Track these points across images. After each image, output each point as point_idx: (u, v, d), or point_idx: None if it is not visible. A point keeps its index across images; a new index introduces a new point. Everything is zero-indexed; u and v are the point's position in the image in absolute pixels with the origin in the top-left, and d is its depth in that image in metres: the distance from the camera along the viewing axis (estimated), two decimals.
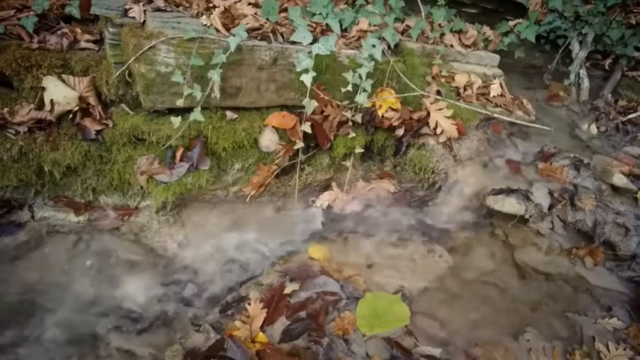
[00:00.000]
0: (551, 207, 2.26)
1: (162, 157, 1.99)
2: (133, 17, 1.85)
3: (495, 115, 2.53)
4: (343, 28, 2.28)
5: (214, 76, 1.82)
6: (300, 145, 2.10)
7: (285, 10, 2.19)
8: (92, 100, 1.94)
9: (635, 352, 1.77)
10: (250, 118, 2.09)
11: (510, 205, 2.22)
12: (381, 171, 2.48)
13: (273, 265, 1.98)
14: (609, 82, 3.40)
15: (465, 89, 2.62)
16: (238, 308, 1.73)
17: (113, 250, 1.97)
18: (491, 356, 1.70)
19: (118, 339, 1.67)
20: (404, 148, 2.41)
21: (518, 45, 3.15)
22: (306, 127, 2.07)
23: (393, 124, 2.30)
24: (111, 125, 1.95)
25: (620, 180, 2.37)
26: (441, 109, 2.34)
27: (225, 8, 2.01)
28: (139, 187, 2.04)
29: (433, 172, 2.35)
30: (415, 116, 2.35)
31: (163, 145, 1.96)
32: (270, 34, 2.01)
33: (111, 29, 1.84)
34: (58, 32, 1.95)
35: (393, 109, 2.27)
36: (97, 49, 1.99)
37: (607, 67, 3.55)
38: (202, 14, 1.99)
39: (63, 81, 1.89)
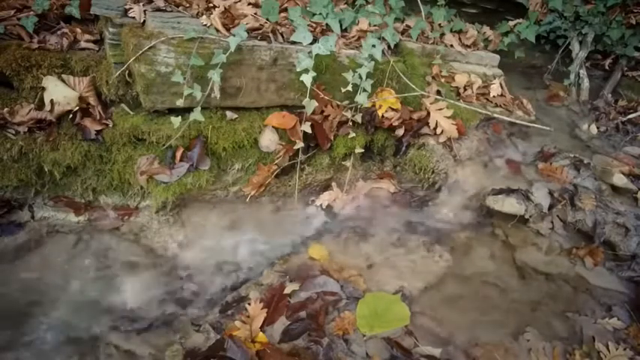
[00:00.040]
0: (551, 207, 2.26)
1: (162, 157, 1.99)
2: (133, 17, 1.85)
3: (495, 115, 2.53)
4: (343, 28, 2.28)
5: (214, 76, 1.82)
6: (300, 145, 2.10)
7: (285, 10, 2.19)
8: (92, 100, 1.94)
9: (635, 352, 1.77)
10: (250, 118, 2.10)
11: (510, 205, 2.22)
12: (381, 171, 2.48)
13: (273, 265, 1.98)
14: (609, 82, 3.40)
15: (465, 89, 2.62)
16: (238, 308, 1.73)
17: (113, 250, 1.97)
18: (491, 356, 1.69)
19: (118, 339, 1.67)
20: (404, 148, 2.41)
21: (518, 45, 3.15)
22: (306, 127, 2.07)
23: (393, 124, 2.30)
24: (111, 125, 1.95)
25: (620, 180, 2.37)
26: (441, 109, 2.34)
27: (225, 8, 2.01)
28: (139, 187, 2.04)
29: (433, 172, 2.35)
30: (415, 116, 2.35)
31: (163, 145, 1.96)
32: (270, 34, 2.01)
33: (111, 29, 1.84)
34: (58, 32, 1.95)
35: (393, 109, 2.27)
36: (97, 49, 1.99)
37: (607, 67, 3.55)
38: (202, 14, 1.99)
39: (63, 81, 1.89)
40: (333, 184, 2.35)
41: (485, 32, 2.99)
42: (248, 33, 1.91)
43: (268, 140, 2.12)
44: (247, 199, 2.18)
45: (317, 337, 1.62)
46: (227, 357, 1.50)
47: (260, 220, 2.20)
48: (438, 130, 2.33)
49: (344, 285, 1.85)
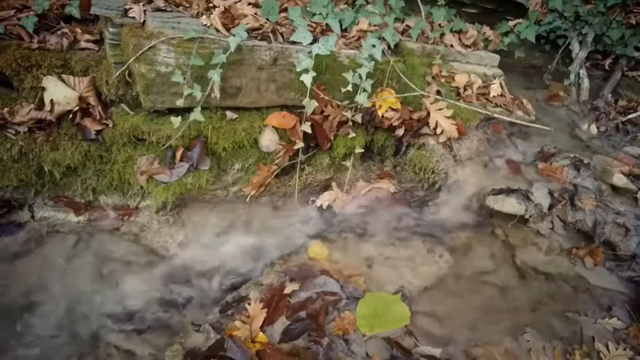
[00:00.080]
0: (551, 207, 2.26)
1: (163, 157, 1.99)
2: (133, 17, 1.85)
3: (495, 115, 2.53)
4: (343, 28, 2.28)
5: (214, 76, 1.82)
6: (300, 145, 2.10)
7: (285, 10, 2.19)
8: (92, 100, 1.94)
9: (635, 352, 1.77)
10: (250, 118, 2.09)
11: (510, 205, 2.22)
12: (381, 171, 2.48)
13: (273, 265, 1.98)
14: (609, 82, 3.40)
15: (465, 89, 2.62)
16: (238, 308, 1.73)
17: (113, 250, 1.97)
18: (492, 356, 1.69)
19: (118, 339, 1.67)
20: (404, 148, 2.41)
21: (518, 45, 3.15)
22: (306, 127, 2.07)
23: (393, 124, 2.30)
24: (111, 125, 1.95)
25: (620, 180, 2.37)
26: (441, 109, 2.34)
27: (225, 8, 2.01)
28: (139, 187, 2.04)
29: (433, 172, 2.35)
30: (415, 116, 2.35)
31: (163, 145, 1.96)
32: (270, 34, 2.01)
33: (111, 29, 1.84)
34: (58, 32, 1.95)
35: (393, 109, 2.27)
36: (97, 49, 1.99)
37: (607, 67, 3.55)
38: (202, 14, 1.99)
39: (63, 81, 1.89)
40: (333, 184, 2.35)
41: (485, 32, 2.99)
42: (248, 33, 1.91)
43: (268, 140, 2.12)
44: (247, 199, 2.18)
45: (317, 337, 1.62)
46: (227, 357, 1.50)
47: (260, 220, 2.20)
48: (438, 130, 2.33)
49: (344, 285, 1.85)
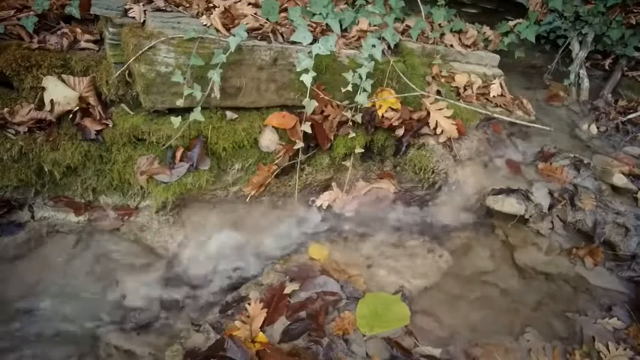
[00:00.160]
0: (551, 207, 2.26)
1: (163, 157, 1.99)
2: (133, 17, 1.85)
3: (495, 115, 2.53)
4: (343, 28, 2.28)
5: (214, 76, 1.82)
6: (300, 145, 2.10)
7: (285, 10, 2.19)
8: (92, 100, 1.94)
9: (635, 352, 1.77)
10: (250, 118, 2.09)
11: (510, 205, 2.22)
12: (381, 171, 2.48)
13: (273, 265, 1.98)
14: (609, 82, 3.40)
15: (465, 89, 2.62)
16: (238, 308, 1.73)
17: (113, 250, 1.97)
18: (492, 356, 1.70)
19: (118, 339, 1.67)
20: (404, 148, 2.41)
21: (518, 45, 3.15)
22: (306, 127, 2.07)
23: (393, 124, 2.30)
24: (111, 125, 1.95)
25: (620, 180, 2.37)
26: (441, 109, 2.34)
27: (225, 8, 2.01)
28: (139, 187, 2.04)
29: (433, 172, 2.35)
30: (415, 116, 2.35)
31: (163, 145, 1.96)
32: (270, 34, 2.01)
33: (111, 29, 1.84)
34: (58, 32, 1.95)
35: (393, 109, 2.27)
36: (97, 49, 1.99)
37: (607, 67, 3.55)
38: (202, 14, 1.99)
39: (63, 81, 1.89)
40: (333, 184, 2.35)
41: (485, 32, 2.99)
42: (248, 33, 1.91)
43: (268, 140, 2.12)
44: (247, 199, 2.18)
45: (317, 337, 1.62)
46: (227, 357, 1.50)
47: (260, 220, 2.20)
48: (438, 130, 2.33)
49: (344, 285, 1.85)
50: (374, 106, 2.24)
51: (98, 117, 1.95)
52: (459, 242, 2.21)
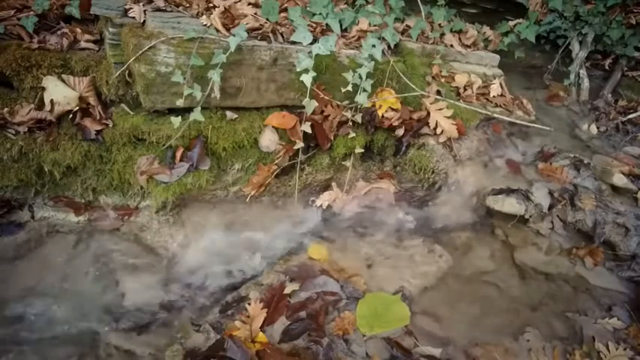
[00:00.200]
0: (551, 207, 2.26)
1: (163, 157, 1.99)
2: (133, 17, 1.85)
3: (495, 115, 2.53)
4: (343, 28, 2.28)
5: (214, 76, 1.82)
6: (300, 145, 2.10)
7: (285, 10, 2.19)
8: (92, 100, 1.94)
9: (635, 352, 1.77)
10: (250, 118, 2.09)
11: (510, 205, 2.22)
12: (381, 171, 2.48)
13: (273, 265, 1.98)
14: (609, 82, 3.40)
15: (465, 89, 2.62)
16: (238, 308, 1.73)
17: (113, 250, 1.97)
18: (491, 356, 1.70)
19: (118, 339, 1.67)
20: (404, 148, 2.41)
21: (518, 45, 3.15)
22: (306, 127, 2.07)
23: (393, 124, 2.30)
24: (111, 125, 1.95)
25: (620, 180, 2.37)
26: (441, 109, 2.34)
27: (225, 8, 2.01)
28: (139, 187, 2.04)
29: (433, 172, 2.35)
30: (415, 116, 2.35)
31: (163, 145, 1.96)
32: (270, 34, 2.01)
33: (111, 29, 1.84)
34: (58, 32, 1.95)
35: (393, 109, 2.27)
36: (97, 49, 1.99)
37: (607, 67, 3.55)
38: (202, 14, 1.99)
39: (63, 81, 1.89)
40: (333, 184, 2.35)
41: (485, 32, 2.99)
42: (248, 33, 1.91)
43: (268, 140, 2.12)
44: (247, 199, 2.18)
45: (317, 337, 1.62)
46: (227, 357, 1.50)
47: (260, 220, 2.20)
48: (438, 130, 2.33)
49: (344, 285, 1.85)
50: (374, 106, 2.24)
51: (98, 117, 1.95)
52: (459, 242, 2.21)
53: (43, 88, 1.87)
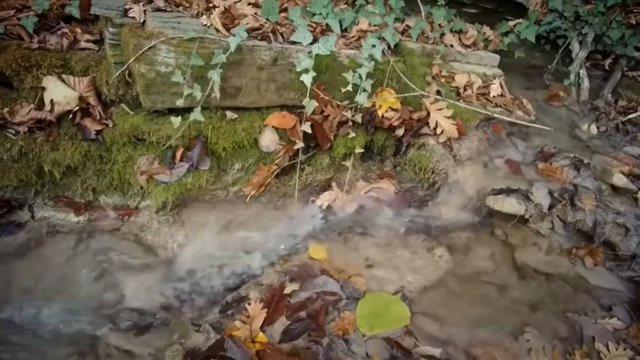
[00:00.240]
0: (551, 207, 2.26)
1: (163, 157, 1.99)
2: (133, 17, 1.85)
3: (495, 115, 2.53)
4: (343, 28, 2.28)
5: (214, 76, 1.82)
6: (300, 145, 2.10)
7: (285, 10, 2.19)
8: (92, 100, 1.94)
9: (635, 352, 1.77)
10: (250, 118, 2.09)
11: (510, 205, 2.22)
12: (381, 171, 2.48)
13: (273, 265, 1.98)
14: (609, 82, 3.40)
15: (465, 89, 2.62)
16: (238, 308, 1.73)
17: (113, 250, 1.97)
18: (491, 356, 1.69)
19: (117, 339, 1.67)
20: (404, 148, 2.41)
21: (518, 45, 3.15)
22: (306, 127, 2.07)
23: (393, 124, 2.30)
24: (111, 125, 1.95)
25: (620, 180, 2.37)
26: (441, 109, 2.34)
27: (225, 8, 2.01)
28: (139, 187, 2.04)
29: (433, 172, 2.35)
30: (415, 116, 2.35)
31: (163, 145, 1.96)
32: (270, 34, 2.01)
33: (111, 29, 1.84)
34: (58, 32, 1.95)
35: (393, 109, 2.27)
36: (97, 49, 1.99)
37: (607, 67, 3.55)
38: (202, 14, 1.99)
39: (63, 81, 1.89)
40: (333, 184, 2.35)
41: (485, 32, 2.99)
42: (248, 33, 1.91)
43: (268, 140, 2.12)
44: (247, 199, 2.18)
45: (317, 337, 1.62)
46: (227, 357, 1.50)
47: (260, 220, 2.20)
48: (438, 130, 2.33)
49: (344, 285, 1.85)
50: (374, 106, 2.24)
51: (98, 117, 1.95)
52: (459, 242, 2.21)
53: (43, 88, 1.87)
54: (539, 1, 3.24)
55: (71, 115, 1.91)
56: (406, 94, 2.30)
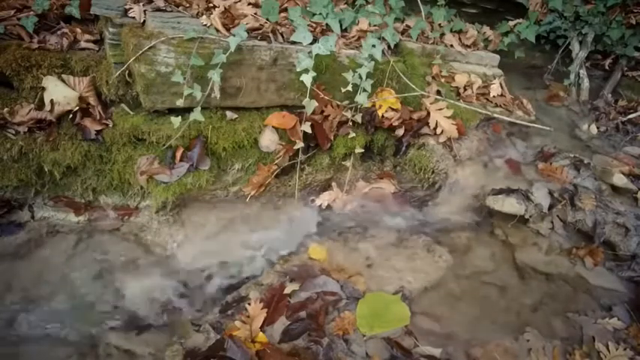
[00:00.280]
0: (551, 207, 2.26)
1: (163, 157, 1.99)
2: (133, 17, 1.85)
3: (495, 115, 2.53)
4: (343, 28, 2.28)
5: (214, 76, 1.82)
6: (300, 145, 2.10)
7: (285, 10, 2.19)
8: (92, 100, 1.94)
9: (635, 352, 1.77)
10: (250, 118, 2.10)
11: (510, 205, 2.22)
12: (381, 171, 2.48)
13: (273, 265, 1.98)
14: (609, 82, 3.40)
15: (465, 89, 2.62)
16: (238, 308, 1.73)
17: (113, 251, 1.97)
18: (491, 356, 1.69)
19: (117, 339, 1.67)
20: (404, 148, 2.41)
21: (518, 45, 3.15)
22: (306, 127, 2.07)
23: (393, 124, 2.30)
24: (111, 125, 1.95)
25: (620, 180, 2.37)
26: (441, 109, 2.34)
27: (225, 8, 2.02)
28: (139, 187, 2.04)
29: (433, 172, 2.35)
30: (415, 116, 2.35)
31: (163, 145, 1.96)
32: (270, 34, 2.01)
33: (111, 29, 1.84)
34: (58, 32, 1.95)
35: (393, 109, 2.27)
36: (97, 49, 1.99)
37: (607, 67, 3.55)
38: (202, 14, 1.99)
39: (63, 81, 1.89)
40: (333, 184, 2.35)
41: (485, 32, 2.99)
42: (248, 33, 1.91)
43: (268, 140, 2.12)
44: (247, 199, 2.18)
45: (317, 337, 1.62)
46: (227, 357, 1.50)
47: (260, 219, 2.20)
48: (438, 130, 2.33)
49: (344, 285, 1.85)
50: (374, 106, 2.24)
51: (98, 117, 1.95)
52: (459, 242, 2.21)
53: (43, 88, 1.87)
54: (539, 1, 3.24)
55: (71, 115, 1.91)
56: (406, 94, 2.30)
